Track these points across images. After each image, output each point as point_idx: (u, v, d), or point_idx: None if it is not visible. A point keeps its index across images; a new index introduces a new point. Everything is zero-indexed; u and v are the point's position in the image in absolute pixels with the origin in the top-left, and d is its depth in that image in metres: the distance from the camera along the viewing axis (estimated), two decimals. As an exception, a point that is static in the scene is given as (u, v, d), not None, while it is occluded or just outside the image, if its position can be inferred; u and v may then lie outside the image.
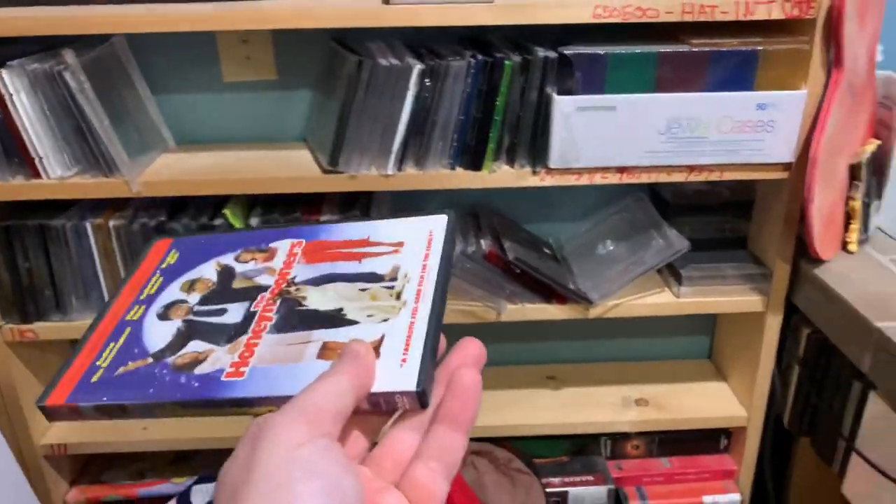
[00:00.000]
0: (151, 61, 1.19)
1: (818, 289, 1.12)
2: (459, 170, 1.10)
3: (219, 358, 0.41)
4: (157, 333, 0.44)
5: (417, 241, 0.46)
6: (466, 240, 1.21)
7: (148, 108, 1.19)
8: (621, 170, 1.09)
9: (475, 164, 1.09)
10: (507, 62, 1.04)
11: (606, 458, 1.38)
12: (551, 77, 1.05)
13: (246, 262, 0.48)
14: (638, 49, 1.03)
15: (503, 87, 1.05)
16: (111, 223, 1.11)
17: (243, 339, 0.42)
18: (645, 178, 1.10)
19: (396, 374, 0.38)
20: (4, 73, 1.00)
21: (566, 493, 1.29)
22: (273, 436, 0.32)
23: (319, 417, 0.33)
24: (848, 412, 1.10)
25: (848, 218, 1.16)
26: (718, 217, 1.26)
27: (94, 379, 0.41)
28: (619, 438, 1.37)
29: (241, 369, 0.40)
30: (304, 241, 0.49)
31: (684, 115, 1.05)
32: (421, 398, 0.37)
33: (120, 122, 1.09)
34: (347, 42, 1.13)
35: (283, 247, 0.49)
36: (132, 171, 1.07)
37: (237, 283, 0.47)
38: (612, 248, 1.24)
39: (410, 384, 0.37)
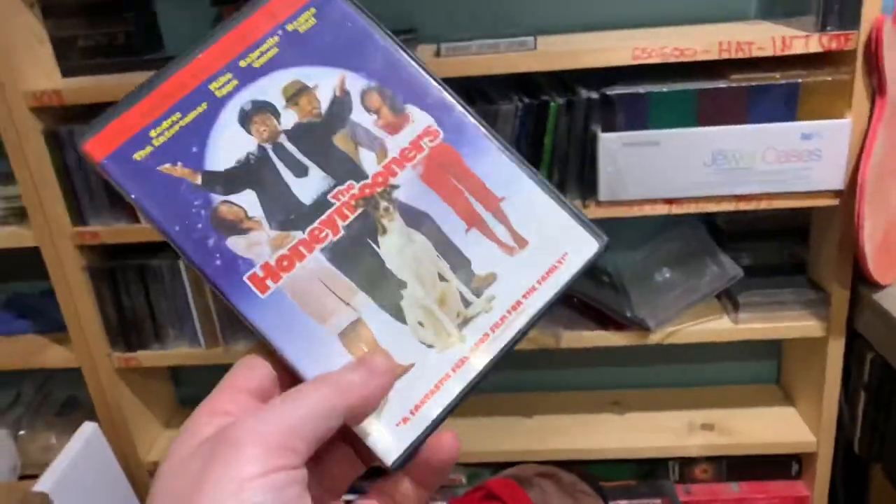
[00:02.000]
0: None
1: (878, 314, 1.11)
2: (513, 205, 1.16)
3: (258, 242, 0.34)
4: (227, 145, 0.35)
5: (542, 256, 0.35)
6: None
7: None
8: (669, 201, 1.13)
9: (527, 200, 1.16)
10: (552, 104, 1.10)
11: (675, 482, 1.39)
12: (595, 115, 1.11)
13: (370, 109, 0.36)
14: (677, 87, 1.07)
15: (549, 127, 1.12)
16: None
17: (295, 236, 0.34)
18: (694, 209, 1.13)
19: (386, 429, 0.33)
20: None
21: (633, 516, 1.32)
22: (226, 465, 0.28)
23: (289, 442, 0.29)
24: (914, 438, 1.09)
25: (910, 241, 1.15)
26: (775, 243, 1.27)
27: (138, 156, 0.34)
28: (686, 463, 1.39)
29: (268, 282, 0.33)
30: (441, 135, 0.36)
31: (728, 147, 1.08)
32: (391, 470, 0.33)
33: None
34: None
35: (418, 121, 0.36)
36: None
37: (339, 138, 0.36)
38: (668, 275, 1.27)
39: (388, 455, 0.32)
